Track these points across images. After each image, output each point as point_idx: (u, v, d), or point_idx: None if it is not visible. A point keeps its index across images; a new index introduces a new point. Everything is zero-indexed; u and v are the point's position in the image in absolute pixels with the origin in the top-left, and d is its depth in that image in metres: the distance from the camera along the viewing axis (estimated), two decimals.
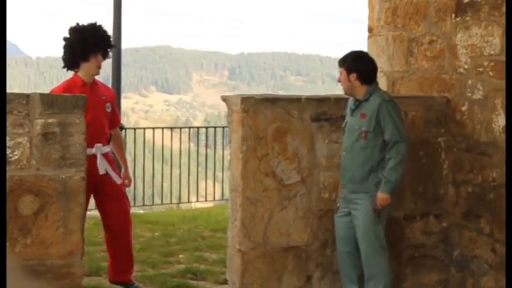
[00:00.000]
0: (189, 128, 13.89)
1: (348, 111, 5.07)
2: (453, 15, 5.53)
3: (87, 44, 5.36)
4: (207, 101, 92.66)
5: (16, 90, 13.57)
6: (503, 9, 5.02)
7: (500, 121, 5.11)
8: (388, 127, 4.85)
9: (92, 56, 5.38)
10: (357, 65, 4.97)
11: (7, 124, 4.17)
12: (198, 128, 13.16)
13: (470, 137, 5.39)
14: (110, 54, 5.64)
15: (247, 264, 5.01)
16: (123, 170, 5.76)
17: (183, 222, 8.45)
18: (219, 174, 11.84)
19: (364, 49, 6.46)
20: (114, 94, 5.77)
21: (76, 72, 5.44)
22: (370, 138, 4.89)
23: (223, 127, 10.91)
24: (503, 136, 5.03)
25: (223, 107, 5.85)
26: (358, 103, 4.97)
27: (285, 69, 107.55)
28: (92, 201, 5.59)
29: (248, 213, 4.98)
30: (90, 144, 5.20)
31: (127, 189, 5.84)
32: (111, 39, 5.57)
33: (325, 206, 5.20)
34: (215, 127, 11.38)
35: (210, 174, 10.79)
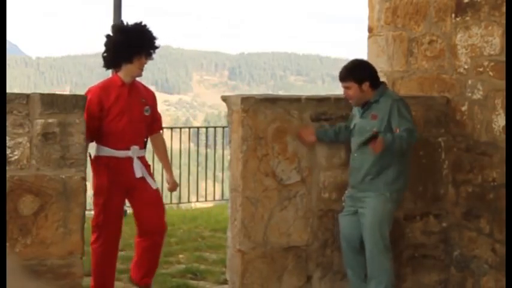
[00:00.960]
0: (189, 128, 13.85)
1: (356, 113, 5.04)
2: (453, 15, 5.52)
3: (132, 46, 5.08)
4: (207, 101, 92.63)
5: (16, 90, 13.57)
6: (503, 9, 5.02)
7: (500, 121, 5.11)
8: (402, 121, 4.78)
9: (136, 58, 5.11)
10: (365, 73, 4.95)
11: (7, 124, 4.17)
12: (198, 128, 13.13)
13: (470, 137, 5.39)
14: (154, 55, 5.30)
15: (247, 264, 5.00)
16: (167, 175, 5.56)
17: (183, 222, 8.46)
18: (219, 174, 11.83)
19: (364, 49, 6.48)
20: (155, 97, 5.47)
21: (117, 71, 5.20)
22: None
23: (223, 127, 10.91)
24: (503, 136, 5.02)
25: (223, 107, 5.84)
26: (368, 105, 4.96)
27: (285, 69, 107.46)
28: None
29: (248, 213, 4.98)
30: (126, 146, 5.11)
31: None
32: (156, 39, 5.23)
33: (325, 206, 5.20)
34: (215, 127, 11.38)
35: (210, 174, 10.78)
